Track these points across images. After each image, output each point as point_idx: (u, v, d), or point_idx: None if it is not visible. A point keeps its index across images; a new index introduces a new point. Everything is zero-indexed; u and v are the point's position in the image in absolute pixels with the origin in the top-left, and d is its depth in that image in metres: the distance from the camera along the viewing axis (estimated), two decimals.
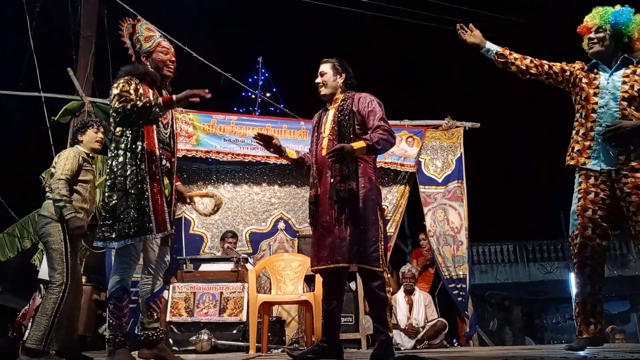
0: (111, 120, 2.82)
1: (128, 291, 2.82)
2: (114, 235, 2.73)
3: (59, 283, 3.28)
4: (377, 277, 2.86)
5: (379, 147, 2.88)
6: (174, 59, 3.04)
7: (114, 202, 2.75)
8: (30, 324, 3.61)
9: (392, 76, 16.00)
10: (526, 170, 17.15)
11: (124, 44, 3.05)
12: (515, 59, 3.14)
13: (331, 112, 3.10)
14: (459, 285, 6.00)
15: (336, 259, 2.87)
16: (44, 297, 3.33)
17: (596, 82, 2.99)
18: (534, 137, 16.29)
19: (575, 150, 3.02)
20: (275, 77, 14.23)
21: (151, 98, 2.84)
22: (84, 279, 4.50)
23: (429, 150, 6.37)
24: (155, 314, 2.98)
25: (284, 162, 5.31)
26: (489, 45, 3.20)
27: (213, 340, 4.38)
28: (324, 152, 3.00)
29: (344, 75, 3.12)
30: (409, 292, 5.59)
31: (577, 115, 3.06)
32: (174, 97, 2.78)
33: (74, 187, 3.51)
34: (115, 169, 2.79)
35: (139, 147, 2.81)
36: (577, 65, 3.11)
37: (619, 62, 2.98)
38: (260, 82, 13.90)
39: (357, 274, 3.42)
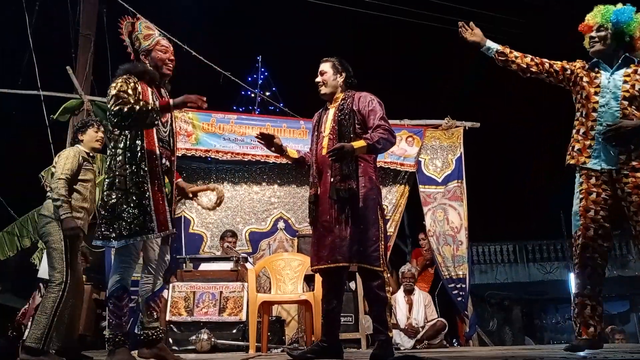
0: (108, 121, 2.82)
1: (128, 290, 2.81)
2: (113, 235, 2.73)
3: (58, 282, 3.30)
4: (377, 276, 2.86)
5: (380, 146, 2.88)
6: (172, 57, 3.04)
7: (113, 201, 2.74)
8: (30, 323, 3.61)
9: (392, 76, 16.00)
10: (526, 170, 17.16)
11: (123, 43, 3.05)
12: (516, 57, 3.14)
13: (331, 112, 3.09)
14: (458, 285, 5.99)
15: (336, 258, 2.86)
16: (44, 296, 3.35)
17: (597, 81, 2.97)
18: (534, 137, 16.30)
19: (575, 149, 3.01)
20: (275, 76, 14.23)
21: (150, 99, 2.84)
22: (83, 278, 4.49)
23: (429, 150, 6.36)
24: (155, 314, 2.98)
25: (284, 161, 5.32)
26: (490, 43, 3.20)
27: (213, 339, 4.38)
28: (324, 152, 2.99)
29: (344, 75, 3.12)
30: (409, 292, 5.58)
31: (578, 114, 3.06)
32: (171, 101, 2.80)
33: (74, 186, 3.52)
34: (114, 168, 2.79)
35: (139, 146, 2.80)
36: (578, 63, 3.10)
37: (620, 61, 2.96)
38: (260, 82, 13.89)
39: (357, 273, 3.42)
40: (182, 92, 2.81)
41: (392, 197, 6.36)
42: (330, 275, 2.98)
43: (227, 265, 4.90)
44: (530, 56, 3.14)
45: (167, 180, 2.95)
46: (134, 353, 2.93)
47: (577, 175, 3.02)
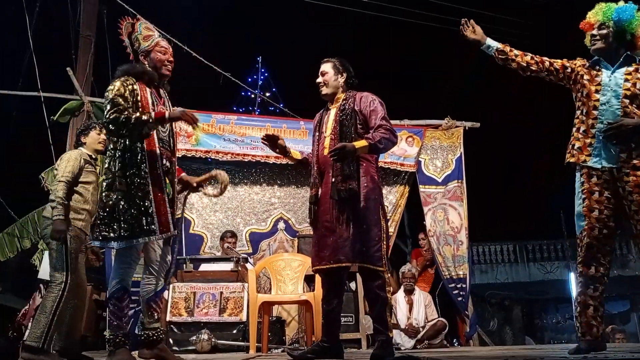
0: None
1: (128, 291, 2.82)
2: (113, 235, 2.72)
3: (58, 282, 3.32)
4: (377, 276, 2.86)
5: (381, 146, 2.88)
6: (172, 58, 3.04)
7: (112, 202, 2.74)
8: (30, 324, 3.62)
9: (392, 76, 15.99)
10: (526, 170, 17.14)
11: (123, 43, 3.05)
12: (516, 55, 3.13)
13: (333, 112, 3.09)
14: (459, 285, 6.00)
15: (339, 258, 2.86)
16: (44, 295, 3.37)
17: (598, 79, 2.96)
18: (534, 137, 16.28)
19: (575, 147, 2.99)
20: (275, 77, 14.24)
21: (149, 100, 2.84)
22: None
23: (429, 150, 6.37)
24: (156, 314, 2.98)
25: (284, 161, 5.32)
26: (490, 42, 3.19)
27: (213, 340, 4.37)
28: (325, 152, 2.99)
29: (345, 75, 3.12)
30: (409, 292, 5.58)
31: (578, 112, 3.04)
32: (167, 114, 2.82)
33: (75, 188, 3.54)
34: (113, 169, 2.79)
35: (139, 147, 2.80)
36: (578, 62, 3.09)
37: (621, 60, 2.95)
38: (260, 82, 13.90)
39: (357, 273, 3.42)
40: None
41: (392, 197, 6.36)
42: (331, 275, 2.98)
43: (228, 266, 4.90)
44: (530, 54, 3.14)
45: (167, 181, 2.95)
46: (135, 353, 2.93)
47: (578, 174, 3.01)
